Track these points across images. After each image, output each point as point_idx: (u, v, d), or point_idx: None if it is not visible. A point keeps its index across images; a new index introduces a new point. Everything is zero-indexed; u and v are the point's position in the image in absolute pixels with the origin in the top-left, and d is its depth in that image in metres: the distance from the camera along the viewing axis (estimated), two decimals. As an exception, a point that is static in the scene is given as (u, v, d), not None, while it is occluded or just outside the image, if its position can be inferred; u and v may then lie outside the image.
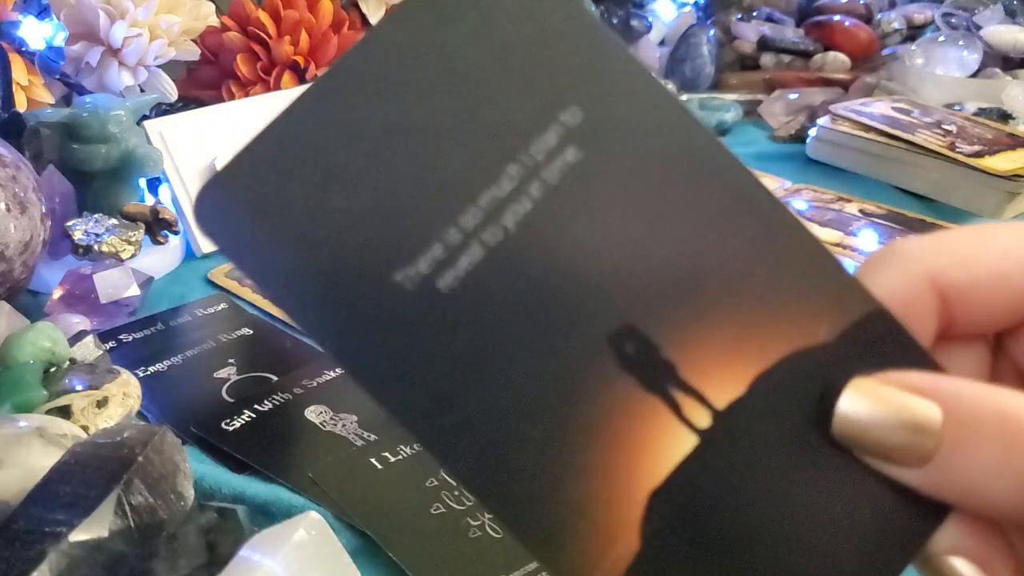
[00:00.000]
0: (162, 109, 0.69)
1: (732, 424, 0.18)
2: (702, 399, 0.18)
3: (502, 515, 0.18)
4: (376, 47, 0.18)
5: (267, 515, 0.40)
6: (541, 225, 0.18)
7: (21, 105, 0.60)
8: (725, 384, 0.18)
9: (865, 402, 0.18)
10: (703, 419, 0.18)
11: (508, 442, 0.17)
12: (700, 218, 0.18)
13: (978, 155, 0.77)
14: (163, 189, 0.66)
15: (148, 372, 0.51)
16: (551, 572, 0.17)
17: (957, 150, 0.77)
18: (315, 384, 0.49)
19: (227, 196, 0.17)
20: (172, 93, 0.67)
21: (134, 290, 0.54)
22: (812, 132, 0.86)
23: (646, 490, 0.18)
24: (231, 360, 0.52)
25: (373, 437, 0.45)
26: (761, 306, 0.18)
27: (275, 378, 0.50)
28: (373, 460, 0.43)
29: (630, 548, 0.17)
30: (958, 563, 0.18)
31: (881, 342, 0.18)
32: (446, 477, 0.42)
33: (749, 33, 0.91)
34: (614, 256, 0.18)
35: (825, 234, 0.68)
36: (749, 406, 0.18)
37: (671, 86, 0.92)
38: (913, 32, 0.92)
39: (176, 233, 0.61)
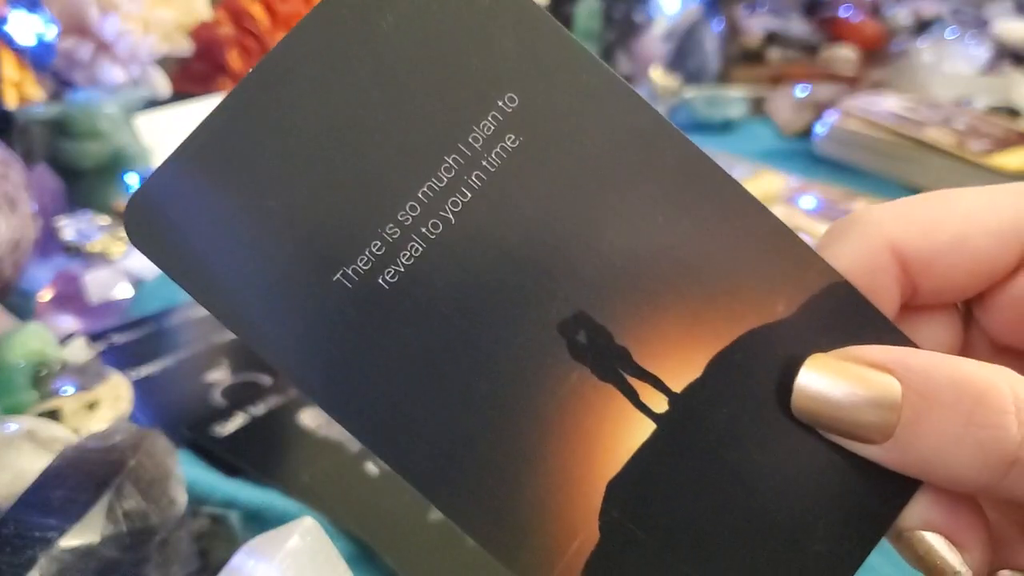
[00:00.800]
0: (154, 104, 0.68)
1: (690, 407, 0.18)
2: (658, 383, 0.18)
3: (461, 520, 0.17)
4: (303, 41, 0.17)
5: (260, 520, 0.39)
6: (482, 215, 0.17)
7: (11, 101, 0.60)
8: (681, 367, 0.18)
9: (824, 379, 0.18)
10: (660, 404, 0.18)
11: (459, 442, 0.17)
12: (646, 198, 0.18)
13: (987, 152, 0.76)
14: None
15: (140, 374, 0.50)
16: (513, 572, 0.17)
17: (966, 148, 0.77)
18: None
19: (155, 206, 0.17)
20: (164, 88, 0.66)
21: (125, 290, 0.54)
22: (820, 129, 0.85)
23: (604, 480, 0.17)
24: (224, 362, 0.52)
25: (371, 440, 0.44)
26: (716, 285, 0.18)
27: (269, 380, 0.50)
28: (369, 465, 0.43)
29: (590, 541, 0.17)
30: (928, 536, 0.18)
31: (842, 314, 0.18)
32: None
33: (755, 26, 0.90)
34: (560, 242, 0.18)
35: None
36: (707, 388, 0.18)
37: (671, 79, 0.91)
38: (922, 27, 0.92)
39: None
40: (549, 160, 0.18)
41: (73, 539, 0.29)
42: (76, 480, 0.31)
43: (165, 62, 0.67)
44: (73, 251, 0.55)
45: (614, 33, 0.86)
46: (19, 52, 0.62)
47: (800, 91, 0.90)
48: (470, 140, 0.17)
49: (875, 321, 0.18)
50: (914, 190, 0.79)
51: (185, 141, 0.17)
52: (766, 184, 0.75)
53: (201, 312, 0.57)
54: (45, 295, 0.53)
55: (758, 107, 0.95)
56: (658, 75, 0.92)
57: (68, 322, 0.49)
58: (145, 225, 0.17)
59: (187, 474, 0.36)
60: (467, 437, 0.17)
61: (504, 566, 0.17)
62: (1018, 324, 0.19)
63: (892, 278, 0.19)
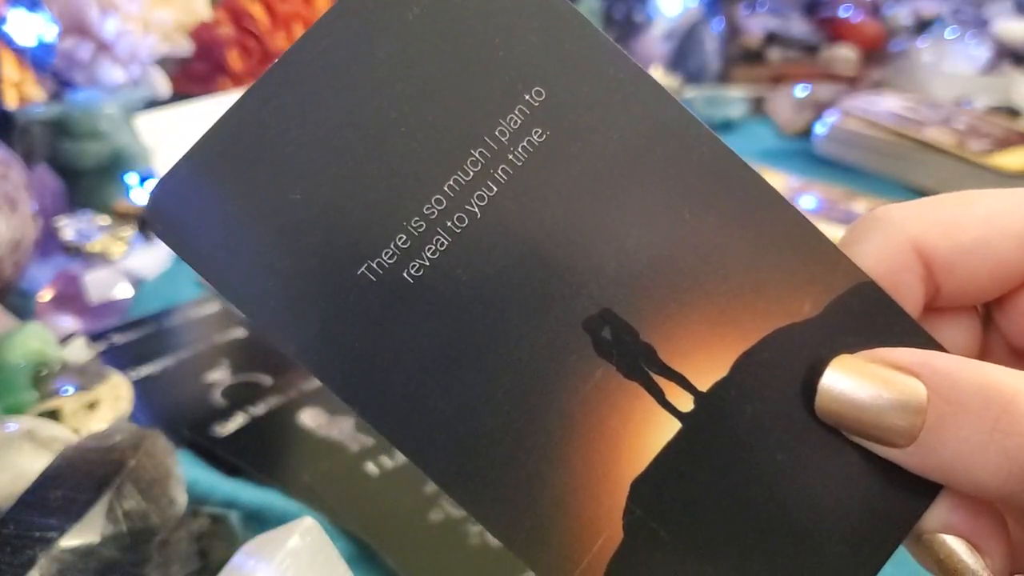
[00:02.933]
0: (154, 104, 0.68)
1: (716, 406, 0.17)
2: (684, 382, 0.18)
3: (482, 516, 0.17)
4: (327, 33, 0.17)
5: (260, 521, 0.39)
6: (508, 209, 0.17)
7: (12, 101, 0.60)
8: (707, 366, 0.17)
9: (849, 380, 0.17)
10: (685, 403, 0.17)
11: (482, 437, 0.17)
12: (673, 194, 0.18)
13: (987, 152, 0.76)
14: (157, 187, 0.65)
15: (140, 374, 0.50)
16: (536, 571, 0.17)
17: (966, 147, 0.77)
18: (310, 387, 0.49)
19: (178, 198, 0.17)
20: (164, 88, 0.66)
21: (125, 290, 0.54)
22: (820, 129, 0.85)
23: (628, 479, 0.17)
24: (224, 362, 0.52)
25: (370, 441, 0.44)
26: (742, 283, 0.18)
27: (269, 380, 0.50)
28: (370, 464, 0.43)
29: (613, 540, 0.17)
30: (949, 540, 0.18)
31: (868, 314, 0.18)
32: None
33: (756, 27, 0.90)
34: (586, 237, 0.17)
35: (834, 232, 0.67)
36: (733, 387, 0.18)
37: (671, 79, 0.91)
38: (922, 26, 0.92)
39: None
40: (576, 154, 0.18)
41: (73, 539, 0.29)
42: (76, 480, 0.31)
43: (165, 62, 0.67)
44: (73, 251, 0.55)
45: (614, 33, 0.87)
46: (19, 52, 0.62)
47: (800, 91, 0.90)
48: (496, 133, 0.17)
49: (901, 322, 0.18)
50: (914, 190, 0.79)
51: (208, 132, 0.17)
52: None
53: (201, 312, 0.57)
54: (45, 295, 0.53)
55: (758, 107, 0.95)
56: (658, 75, 0.92)
57: (68, 322, 0.49)
58: (168, 216, 0.17)
59: (187, 474, 0.36)
60: (490, 432, 0.17)
61: (526, 564, 0.17)
62: None
63: (916, 277, 0.19)
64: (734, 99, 0.93)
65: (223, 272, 0.17)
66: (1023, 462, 0.16)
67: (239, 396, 0.48)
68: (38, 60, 0.63)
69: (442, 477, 0.17)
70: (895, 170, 0.81)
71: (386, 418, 0.17)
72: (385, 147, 0.17)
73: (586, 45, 0.18)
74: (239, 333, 0.54)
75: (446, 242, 0.17)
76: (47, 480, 0.31)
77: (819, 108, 0.88)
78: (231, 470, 0.43)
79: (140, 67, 0.64)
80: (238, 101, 0.17)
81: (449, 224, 0.17)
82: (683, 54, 0.84)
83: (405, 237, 0.17)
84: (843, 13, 0.88)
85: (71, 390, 0.42)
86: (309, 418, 0.46)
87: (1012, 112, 0.87)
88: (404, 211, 0.17)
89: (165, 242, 0.17)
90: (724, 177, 0.18)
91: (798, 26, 0.89)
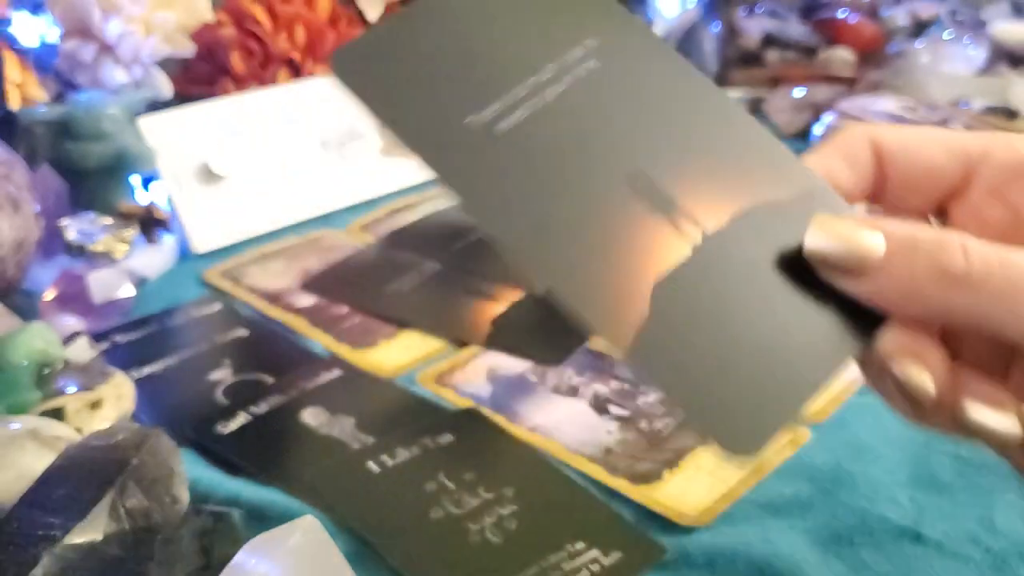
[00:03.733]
0: (157, 106, 0.68)
1: (716, 245, 0.25)
2: (695, 223, 0.25)
3: (552, 282, 0.24)
4: None
5: (262, 519, 0.39)
6: (572, 101, 0.26)
7: (14, 103, 0.60)
8: (712, 218, 0.25)
9: (829, 228, 0.24)
10: (696, 238, 0.25)
11: (555, 226, 0.24)
12: (690, 106, 0.27)
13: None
14: (157, 187, 0.65)
15: (142, 374, 0.50)
16: (588, 319, 0.23)
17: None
18: (312, 386, 0.49)
19: (361, 54, 0.26)
20: (167, 90, 0.67)
21: (128, 290, 0.54)
22: (818, 130, 0.85)
23: (652, 278, 0.24)
24: (226, 361, 0.52)
25: (371, 440, 0.45)
26: (740, 170, 0.26)
27: (271, 380, 0.50)
28: (371, 463, 0.43)
29: (644, 313, 0.24)
30: (905, 361, 0.24)
31: (826, 205, 0.26)
32: (446, 481, 0.42)
33: (753, 28, 0.90)
34: (629, 128, 0.26)
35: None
36: (729, 235, 0.25)
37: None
38: (919, 28, 0.92)
39: (170, 232, 0.61)
40: (620, 77, 0.27)
41: (76, 537, 0.29)
42: (79, 479, 0.31)
43: (167, 64, 0.67)
44: (76, 251, 0.56)
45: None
46: (22, 54, 0.63)
47: (798, 92, 0.90)
48: (564, 57, 0.27)
49: (848, 210, 0.26)
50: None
51: (382, 23, 0.28)
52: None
53: (203, 312, 0.57)
54: (49, 295, 0.53)
55: (756, 108, 0.95)
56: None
57: (71, 322, 0.49)
58: (352, 67, 0.26)
59: (189, 473, 0.37)
60: (559, 226, 0.24)
61: (580, 314, 0.23)
62: (978, 234, 0.24)
63: (868, 154, 0.27)
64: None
65: (383, 110, 0.25)
66: (950, 276, 0.23)
67: (241, 395, 0.48)
68: (41, 61, 0.63)
69: (529, 256, 0.24)
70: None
71: (477, 205, 0.25)
72: (492, 52, 0.27)
73: (624, 14, 0.28)
74: (241, 332, 0.55)
75: (526, 113, 0.25)
76: (50, 479, 0.32)
77: (817, 109, 0.88)
78: (233, 469, 0.43)
79: (142, 68, 0.64)
80: (401, 13, 0.27)
81: (529, 103, 0.26)
82: (681, 55, 0.84)
83: (499, 105, 0.25)
84: (840, 15, 0.88)
85: (74, 389, 0.42)
86: (310, 417, 0.47)
87: (1009, 113, 0.87)
88: (500, 89, 0.26)
89: (348, 87, 0.25)
90: (725, 105, 0.28)
91: (795, 28, 0.89)
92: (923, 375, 0.23)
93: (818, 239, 0.24)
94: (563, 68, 0.26)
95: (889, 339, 0.24)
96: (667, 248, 0.25)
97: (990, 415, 0.23)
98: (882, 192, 0.27)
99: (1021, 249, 0.23)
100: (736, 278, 0.25)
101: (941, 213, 0.28)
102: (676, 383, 0.24)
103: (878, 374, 0.26)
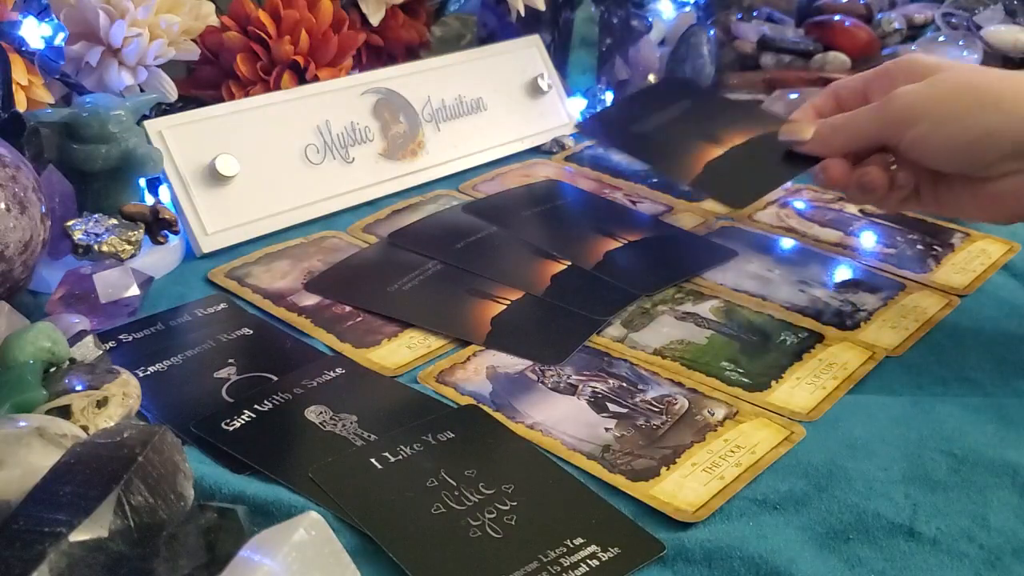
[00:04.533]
0: (162, 109, 0.69)
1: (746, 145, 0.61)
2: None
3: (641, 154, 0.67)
4: (653, 90, 0.78)
5: (267, 515, 0.40)
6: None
7: (21, 105, 0.60)
8: (693, 169, 0.62)
9: (796, 123, 0.57)
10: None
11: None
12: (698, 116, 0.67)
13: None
14: (163, 189, 0.66)
15: (148, 372, 0.51)
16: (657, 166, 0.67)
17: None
18: (315, 384, 0.49)
19: (597, 123, 0.75)
20: (172, 93, 0.67)
21: (134, 290, 0.54)
22: (813, 132, 0.86)
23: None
24: (231, 360, 0.52)
25: (373, 437, 0.45)
26: (719, 129, 0.62)
27: (275, 378, 0.50)
28: (373, 460, 0.43)
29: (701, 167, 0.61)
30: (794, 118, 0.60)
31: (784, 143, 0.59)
32: (446, 477, 0.42)
33: (749, 33, 0.91)
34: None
35: (825, 234, 0.68)
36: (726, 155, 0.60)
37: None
38: (913, 32, 0.92)
39: (176, 233, 0.61)
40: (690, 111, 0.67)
41: (82, 534, 0.29)
42: (85, 476, 0.31)
43: (173, 67, 0.68)
44: (83, 252, 0.56)
45: (612, 39, 0.87)
46: (28, 56, 0.63)
47: (793, 96, 0.90)
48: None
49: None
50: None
51: (613, 105, 0.87)
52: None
53: (209, 311, 0.57)
54: (55, 295, 0.53)
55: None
56: (654, 80, 0.92)
57: (78, 321, 0.50)
58: (593, 131, 0.76)
59: (195, 470, 0.37)
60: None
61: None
62: (927, 159, 0.54)
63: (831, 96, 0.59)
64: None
65: (612, 145, 0.72)
66: (831, 140, 0.56)
67: (245, 393, 0.49)
68: (47, 64, 0.64)
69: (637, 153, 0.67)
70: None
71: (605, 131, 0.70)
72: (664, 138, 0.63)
73: None
74: (246, 331, 0.55)
75: None
76: (56, 476, 0.32)
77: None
78: (238, 466, 0.43)
79: (148, 72, 0.64)
80: (627, 98, 0.76)
81: None
82: (678, 60, 0.85)
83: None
84: (835, 19, 0.88)
85: (80, 388, 0.42)
86: (314, 414, 0.47)
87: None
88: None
89: (593, 140, 0.80)
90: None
91: (791, 32, 0.90)
92: (797, 123, 0.57)
93: (784, 131, 0.57)
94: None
95: (829, 164, 0.55)
96: None
97: (788, 127, 0.58)
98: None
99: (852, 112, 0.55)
100: (757, 149, 0.59)
101: None
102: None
103: (825, 179, 0.55)
